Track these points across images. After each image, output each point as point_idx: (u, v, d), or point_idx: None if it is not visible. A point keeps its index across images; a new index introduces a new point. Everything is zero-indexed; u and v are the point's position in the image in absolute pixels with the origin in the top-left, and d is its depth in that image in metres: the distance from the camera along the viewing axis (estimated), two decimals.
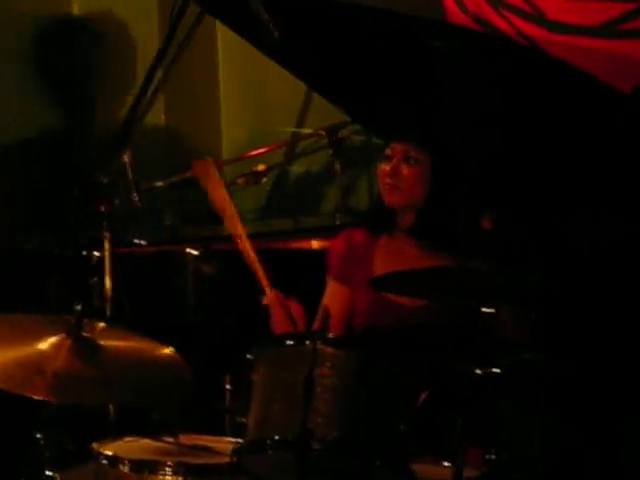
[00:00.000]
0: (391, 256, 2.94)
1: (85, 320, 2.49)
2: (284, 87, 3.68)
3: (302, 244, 3.66)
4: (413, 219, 2.88)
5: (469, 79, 2.37)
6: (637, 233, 2.53)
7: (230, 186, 3.49)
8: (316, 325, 2.94)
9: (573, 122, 2.27)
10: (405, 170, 2.87)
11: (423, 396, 2.41)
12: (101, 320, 2.69)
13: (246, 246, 2.95)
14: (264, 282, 2.91)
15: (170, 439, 2.81)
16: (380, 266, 2.95)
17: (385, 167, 2.88)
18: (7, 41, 4.36)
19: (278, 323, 2.86)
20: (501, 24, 3.05)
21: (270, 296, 2.87)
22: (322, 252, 3.26)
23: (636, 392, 2.64)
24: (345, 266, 3.07)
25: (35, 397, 2.40)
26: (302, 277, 3.26)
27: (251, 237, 3.07)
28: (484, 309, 2.34)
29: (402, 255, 2.88)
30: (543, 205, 2.47)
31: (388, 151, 2.89)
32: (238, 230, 2.98)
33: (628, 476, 2.71)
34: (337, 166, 3.79)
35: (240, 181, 3.67)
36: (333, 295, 3.09)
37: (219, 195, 2.98)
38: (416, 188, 2.89)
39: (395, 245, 2.97)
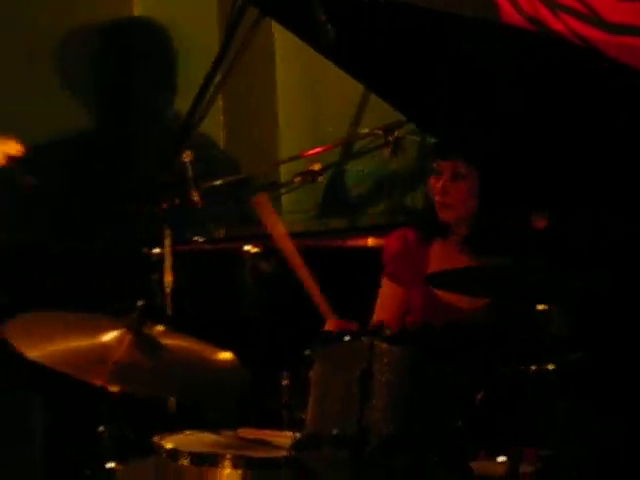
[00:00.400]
0: (446, 259, 3.06)
1: (146, 320, 2.65)
2: (341, 87, 3.76)
3: (358, 242, 3.77)
4: (466, 229, 3.02)
5: (523, 82, 2.42)
6: None
7: (287, 185, 3.65)
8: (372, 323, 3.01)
9: (629, 123, 2.31)
10: (454, 188, 3.01)
11: (479, 396, 2.50)
12: (161, 322, 2.83)
13: (305, 276, 3.08)
14: (325, 310, 3.03)
15: (229, 433, 2.90)
16: (434, 267, 3.06)
17: (435, 183, 3.02)
18: (71, 44, 4.56)
19: None
20: (556, 25, 3.12)
21: (331, 324, 3.00)
22: (377, 250, 3.32)
23: None
24: (399, 265, 3.17)
25: (96, 384, 2.55)
26: (357, 275, 3.37)
27: (308, 235, 3.17)
28: (539, 307, 2.41)
29: (457, 259, 3.01)
30: (594, 202, 2.52)
31: (437, 166, 3.03)
32: (296, 262, 3.12)
33: None
34: (393, 165, 3.87)
35: (297, 180, 3.79)
36: (387, 293, 3.19)
37: (275, 228, 3.13)
38: (466, 203, 3.03)
39: (449, 249, 3.09)
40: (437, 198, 3.03)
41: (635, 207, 2.50)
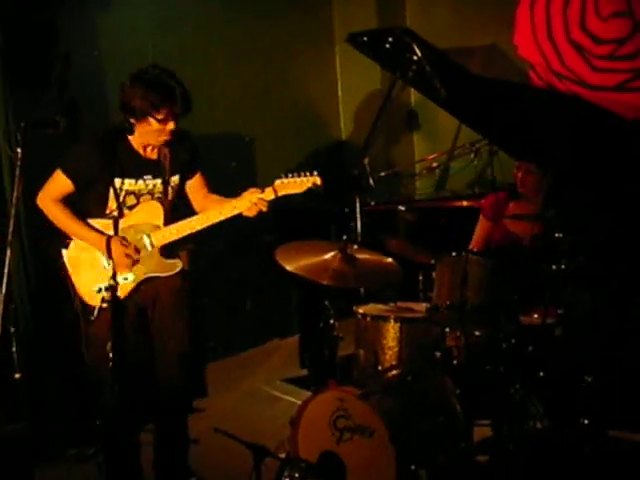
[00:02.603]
0: (518, 210, 4.42)
1: (348, 244, 3.78)
2: (447, 116, 4.73)
3: (457, 204, 5.33)
4: (534, 197, 4.35)
5: (561, 119, 3.73)
6: None
7: (420, 174, 5.26)
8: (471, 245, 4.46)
9: (605, 138, 3.78)
10: (528, 179, 4.39)
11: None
12: (355, 244, 3.98)
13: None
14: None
15: (392, 304, 4.26)
16: (511, 211, 4.43)
17: (517, 174, 4.41)
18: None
19: None
20: (561, 86, 4.82)
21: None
22: (468, 208, 4.82)
23: None
24: (492, 209, 4.55)
25: (322, 282, 3.60)
26: (459, 223, 4.79)
27: (432, 200, 4.87)
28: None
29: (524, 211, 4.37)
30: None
31: (517, 164, 4.41)
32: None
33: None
34: (476, 163, 5.46)
35: (424, 172, 5.55)
36: (482, 227, 4.56)
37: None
38: (535, 187, 4.39)
39: (520, 205, 4.47)
40: (518, 185, 4.43)
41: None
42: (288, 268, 3.73)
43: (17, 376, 3.50)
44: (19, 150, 3.20)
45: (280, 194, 3.67)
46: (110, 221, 3.66)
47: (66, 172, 3.60)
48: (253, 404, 5.26)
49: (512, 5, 6.18)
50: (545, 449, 3.66)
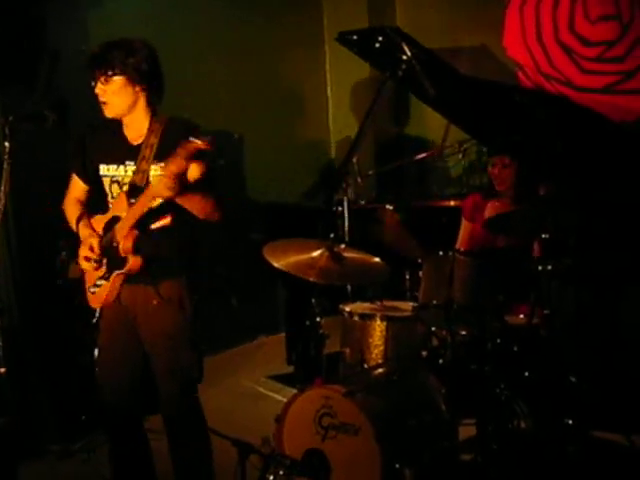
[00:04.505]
0: (496, 210, 4.43)
1: (335, 242, 3.76)
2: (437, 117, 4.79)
3: (445, 203, 5.38)
4: (510, 193, 4.38)
5: (543, 115, 3.73)
6: None
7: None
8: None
9: (590, 135, 3.82)
10: (504, 173, 4.39)
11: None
12: (343, 243, 4.04)
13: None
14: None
15: (379, 302, 4.29)
16: (489, 214, 4.44)
17: (493, 170, 4.40)
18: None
19: None
20: (549, 87, 4.80)
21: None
22: (455, 207, 4.81)
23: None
24: (469, 210, 4.60)
25: (309, 278, 3.52)
26: (445, 220, 4.88)
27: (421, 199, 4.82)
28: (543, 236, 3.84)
29: (502, 210, 4.35)
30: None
31: (492, 160, 4.41)
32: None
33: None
34: (464, 162, 5.48)
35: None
36: (463, 227, 4.62)
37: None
38: (512, 181, 4.40)
39: (498, 204, 4.50)
40: (494, 179, 4.43)
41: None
42: (275, 265, 3.70)
43: (1, 371, 3.48)
44: (7, 144, 3.19)
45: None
46: (105, 215, 3.49)
47: (71, 169, 3.56)
48: (238, 401, 5.28)
49: (501, 6, 6.23)
50: (529, 449, 3.69)
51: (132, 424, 3.61)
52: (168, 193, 3.13)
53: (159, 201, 3.25)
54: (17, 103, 4.20)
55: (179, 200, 3.23)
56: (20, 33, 4.58)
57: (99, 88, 3.31)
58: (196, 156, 3.04)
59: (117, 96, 3.32)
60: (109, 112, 3.37)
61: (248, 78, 6.55)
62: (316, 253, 3.81)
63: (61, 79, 4.59)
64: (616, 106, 5.04)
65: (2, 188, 3.24)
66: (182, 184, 3.12)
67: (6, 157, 3.18)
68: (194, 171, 3.14)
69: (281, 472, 3.35)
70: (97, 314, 3.47)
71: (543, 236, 3.82)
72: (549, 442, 3.71)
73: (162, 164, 3.18)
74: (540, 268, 3.80)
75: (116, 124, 3.42)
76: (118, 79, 3.30)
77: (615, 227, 4.09)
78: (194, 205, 3.28)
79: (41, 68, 4.61)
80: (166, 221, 3.35)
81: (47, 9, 4.80)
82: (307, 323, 4.07)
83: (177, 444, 3.53)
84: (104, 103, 3.34)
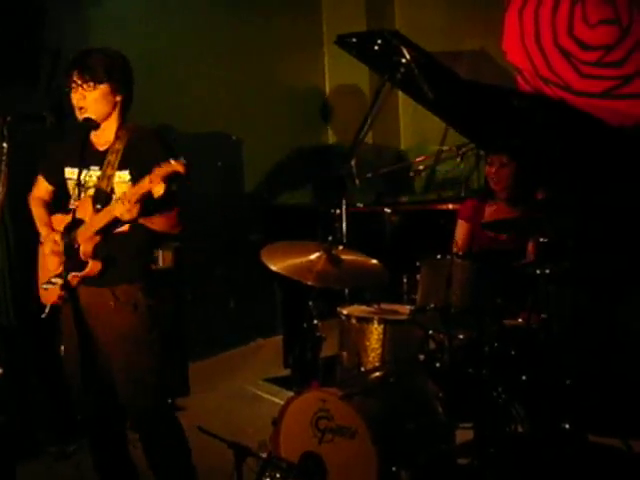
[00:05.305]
0: (493, 213, 4.44)
1: (333, 245, 3.77)
2: (434, 119, 4.93)
3: (443, 206, 5.36)
4: (506, 195, 4.37)
5: (541, 119, 3.81)
6: None
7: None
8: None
9: (589, 139, 3.84)
10: (501, 172, 4.35)
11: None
12: (341, 245, 3.98)
13: None
14: None
15: (376, 305, 4.26)
16: (486, 217, 4.44)
17: (490, 169, 4.37)
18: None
19: None
20: (548, 91, 4.82)
21: None
22: (454, 211, 4.75)
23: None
24: (469, 212, 4.59)
25: (307, 282, 3.57)
26: (445, 225, 4.79)
27: (419, 203, 4.75)
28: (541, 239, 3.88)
29: (499, 213, 4.36)
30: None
31: (490, 159, 4.38)
32: None
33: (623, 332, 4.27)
34: (462, 166, 5.44)
35: (411, 174, 5.55)
36: (460, 230, 4.60)
37: None
38: (508, 181, 4.37)
39: (495, 206, 4.49)
40: (491, 178, 4.39)
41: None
42: (273, 268, 3.72)
43: None
44: (5, 145, 3.19)
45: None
46: (67, 215, 3.45)
47: (38, 170, 3.61)
48: (235, 403, 5.27)
49: (501, 10, 6.23)
50: (526, 453, 3.69)
51: (108, 429, 3.56)
52: (128, 217, 3.17)
53: None
54: (17, 103, 4.18)
55: (141, 221, 3.28)
56: (20, 33, 4.58)
57: (79, 93, 3.33)
58: (170, 178, 3.06)
59: (98, 104, 3.34)
60: (84, 117, 3.38)
61: (247, 80, 6.55)
62: (314, 256, 3.81)
63: (61, 79, 4.56)
64: (615, 111, 5.05)
65: (0, 189, 3.22)
66: (144, 207, 3.15)
67: (4, 158, 3.17)
68: (160, 189, 3.10)
69: (278, 475, 3.35)
70: (46, 310, 3.44)
71: (541, 240, 3.87)
72: (546, 446, 3.71)
73: (128, 175, 3.28)
74: (538, 272, 3.81)
75: (85, 128, 3.43)
76: (103, 87, 3.32)
77: (613, 231, 4.09)
78: (155, 223, 3.34)
79: (42, 68, 4.62)
80: (124, 227, 3.36)
81: (47, 9, 4.81)
82: (304, 326, 4.08)
83: (149, 453, 3.51)
84: (81, 108, 3.35)
